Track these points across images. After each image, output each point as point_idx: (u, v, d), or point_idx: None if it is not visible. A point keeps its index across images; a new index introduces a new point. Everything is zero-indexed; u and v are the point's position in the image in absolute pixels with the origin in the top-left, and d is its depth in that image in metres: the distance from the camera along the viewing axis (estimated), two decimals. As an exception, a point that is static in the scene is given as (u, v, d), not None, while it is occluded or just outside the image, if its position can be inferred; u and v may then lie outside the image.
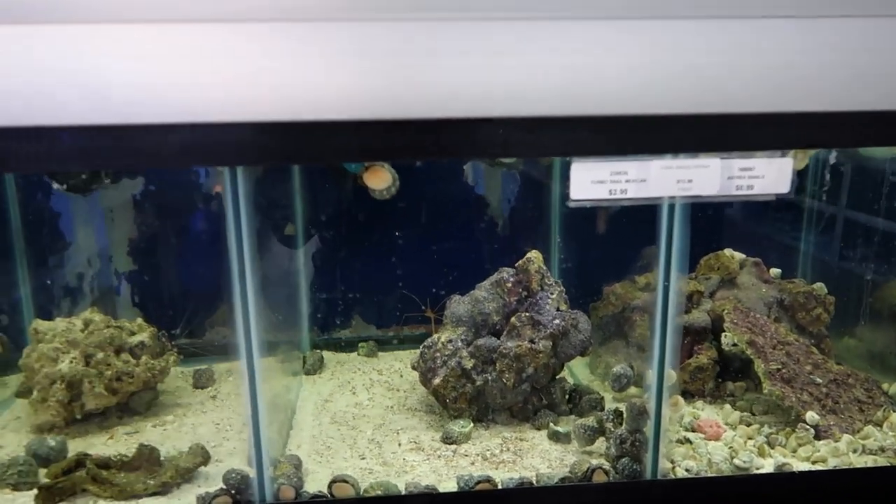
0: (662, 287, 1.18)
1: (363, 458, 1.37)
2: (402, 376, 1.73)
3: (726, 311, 1.53)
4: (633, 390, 1.54)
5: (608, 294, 1.72)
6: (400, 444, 1.42)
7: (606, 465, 1.26)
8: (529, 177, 1.83)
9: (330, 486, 1.21)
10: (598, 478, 1.25)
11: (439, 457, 1.37)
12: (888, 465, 1.29)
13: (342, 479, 1.21)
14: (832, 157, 1.51)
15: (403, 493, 1.22)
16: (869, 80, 0.99)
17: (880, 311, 1.58)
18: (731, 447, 1.33)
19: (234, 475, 1.19)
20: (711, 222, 1.82)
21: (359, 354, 1.86)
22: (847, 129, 1.05)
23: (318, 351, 1.82)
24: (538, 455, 1.38)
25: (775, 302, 1.61)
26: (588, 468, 1.26)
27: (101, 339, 1.49)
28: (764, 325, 1.52)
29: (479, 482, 1.23)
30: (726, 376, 1.58)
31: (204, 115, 0.89)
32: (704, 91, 0.97)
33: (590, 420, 1.39)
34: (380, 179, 1.14)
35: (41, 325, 1.49)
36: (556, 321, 1.48)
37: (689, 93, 0.97)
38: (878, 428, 1.40)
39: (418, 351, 1.54)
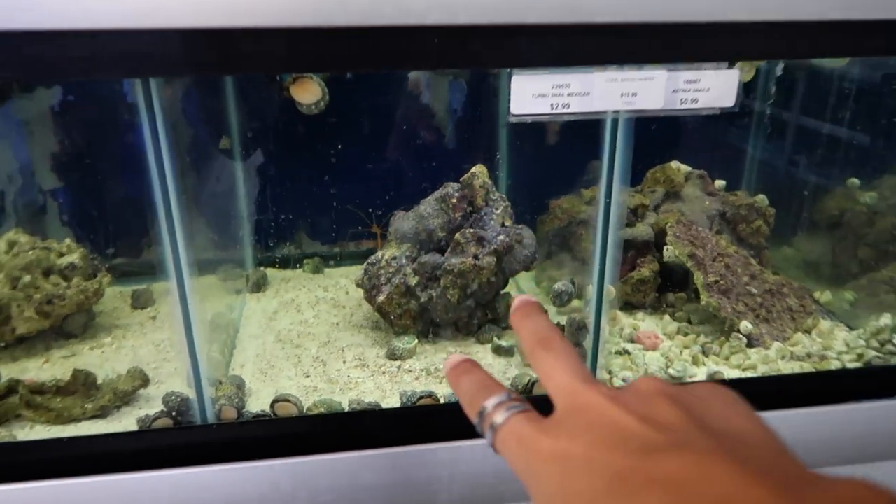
0: (604, 204, 1.16)
1: (308, 377, 1.37)
2: (347, 293, 1.72)
3: (669, 225, 1.54)
4: (576, 303, 1.56)
5: (554, 208, 1.71)
6: (345, 362, 1.42)
7: (547, 378, 1.29)
8: (477, 87, 1.76)
9: (272, 406, 1.21)
10: (539, 389, 1.27)
11: (384, 373, 1.38)
12: (812, 370, 1.35)
13: (285, 399, 1.21)
14: (779, 68, 1.48)
15: (347, 409, 1.23)
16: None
17: (818, 222, 1.61)
18: (666, 357, 1.38)
19: (173, 397, 1.18)
20: (660, 134, 1.80)
21: (304, 271, 1.83)
22: (797, 39, 1.01)
23: (262, 269, 1.78)
24: (482, 368, 1.40)
25: (717, 214, 1.62)
26: (529, 381, 1.28)
27: (28, 261, 1.42)
28: (705, 238, 1.53)
29: (420, 397, 1.24)
30: (667, 288, 1.61)
31: (115, 20, 0.80)
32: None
33: (533, 334, 1.41)
34: (308, 93, 1.06)
35: (-40, 247, 1.42)
36: (501, 237, 1.47)
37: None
38: (807, 335, 1.46)
39: (363, 268, 1.52)
